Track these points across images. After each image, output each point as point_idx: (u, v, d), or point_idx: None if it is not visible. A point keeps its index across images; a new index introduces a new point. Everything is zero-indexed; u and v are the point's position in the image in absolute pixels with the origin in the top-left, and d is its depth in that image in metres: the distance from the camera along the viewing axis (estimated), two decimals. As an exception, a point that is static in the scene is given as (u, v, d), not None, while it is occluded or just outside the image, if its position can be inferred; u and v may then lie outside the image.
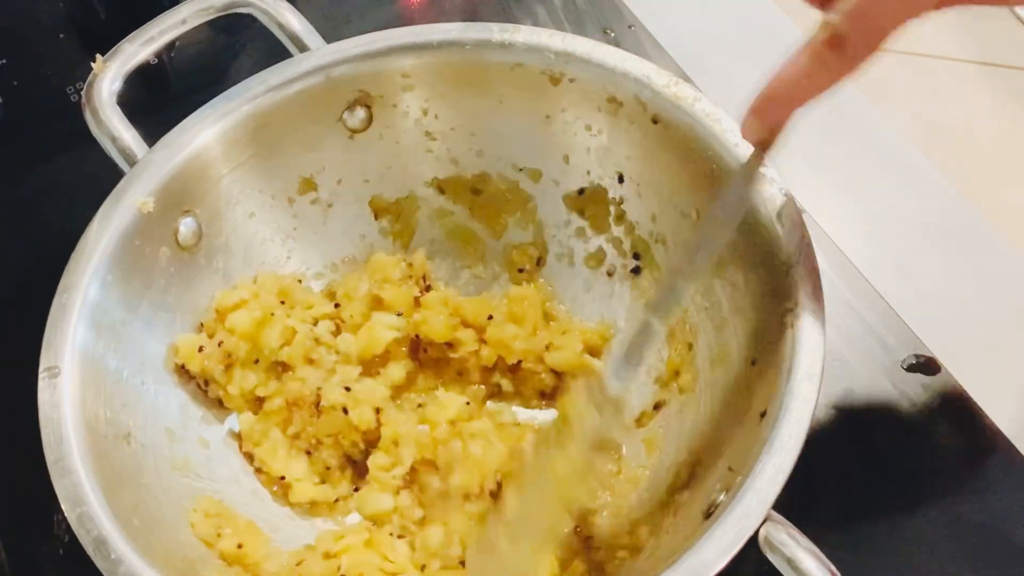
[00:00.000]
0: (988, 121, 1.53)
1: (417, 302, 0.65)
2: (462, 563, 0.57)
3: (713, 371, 0.58)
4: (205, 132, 0.61)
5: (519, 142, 0.65)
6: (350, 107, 0.64)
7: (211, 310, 0.62)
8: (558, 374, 0.63)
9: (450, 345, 0.64)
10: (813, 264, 0.53)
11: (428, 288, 0.67)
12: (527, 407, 0.65)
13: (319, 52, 0.64)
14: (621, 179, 0.64)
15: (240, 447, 0.62)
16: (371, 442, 0.61)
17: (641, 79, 0.60)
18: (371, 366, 0.64)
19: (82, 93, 0.63)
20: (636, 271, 0.65)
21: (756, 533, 0.46)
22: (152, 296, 0.60)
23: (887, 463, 0.60)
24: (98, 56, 0.64)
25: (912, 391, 0.62)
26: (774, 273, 0.53)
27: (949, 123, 1.50)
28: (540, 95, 0.63)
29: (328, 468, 0.61)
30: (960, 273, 0.66)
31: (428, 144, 0.66)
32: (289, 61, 0.64)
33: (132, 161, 0.61)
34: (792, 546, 0.45)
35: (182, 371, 0.60)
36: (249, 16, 0.67)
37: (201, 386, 0.61)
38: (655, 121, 0.60)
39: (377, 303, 0.65)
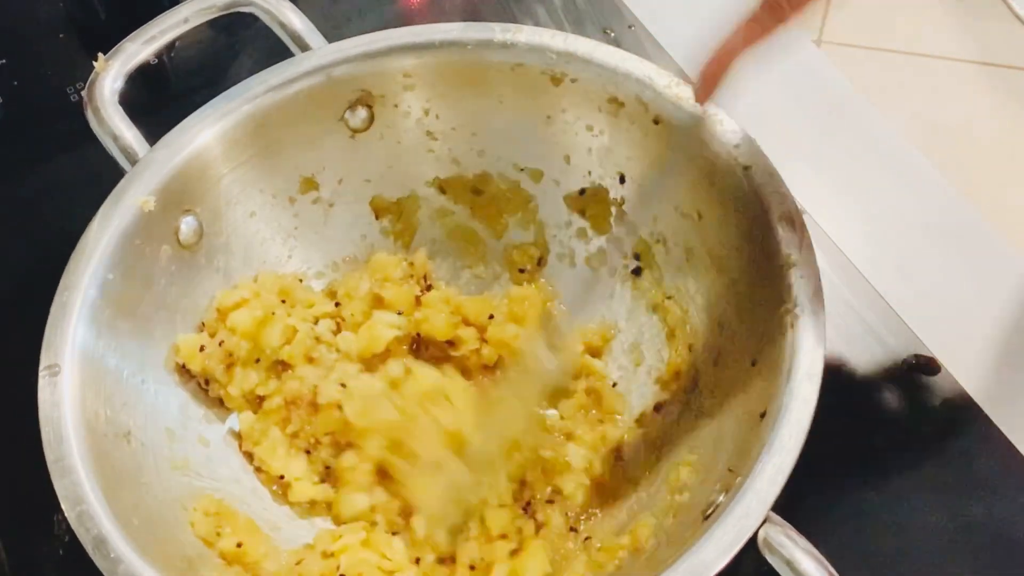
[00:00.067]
0: (988, 121, 1.53)
1: (418, 301, 0.65)
2: (452, 558, 0.57)
3: (713, 371, 0.58)
4: (206, 131, 0.61)
5: (520, 142, 0.65)
6: (351, 107, 0.64)
7: (212, 309, 0.62)
8: (558, 374, 0.64)
9: (451, 344, 0.64)
10: (813, 264, 0.53)
11: (429, 287, 0.67)
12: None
13: (320, 52, 0.64)
14: (622, 179, 0.64)
15: (240, 446, 0.62)
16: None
17: (642, 79, 0.60)
18: (371, 364, 0.64)
19: (83, 92, 0.63)
20: (637, 272, 0.65)
21: (755, 534, 0.46)
22: (153, 295, 0.60)
23: (887, 463, 0.60)
24: (100, 55, 0.64)
25: (912, 391, 0.62)
26: (774, 273, 0.53)
27: (949, 123, 1.50)
28: (541, 95, 0.63)
29: (328, 467, 0.61)
30: (960, 273, 0.66)
31: (429, 144, 0.66)
32: (290, 61, 0.64)
33: (133, 160, 0.61)
34: (791, 547, 0.45)
35: (183, 370, 0.60)
36: (250, 15, 0.67)
37: (202, 385, 0.61)
38: (656, 122, 0.60)
39: (378, 302, 0.65)
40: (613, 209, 0.65)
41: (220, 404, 0.62)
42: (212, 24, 0.66)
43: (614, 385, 0.63)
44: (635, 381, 0.63)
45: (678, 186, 0.61)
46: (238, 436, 0.62)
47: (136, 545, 0.49)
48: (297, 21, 0.65)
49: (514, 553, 0.56)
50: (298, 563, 0.56)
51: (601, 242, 0.66)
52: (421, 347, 0.65)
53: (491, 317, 0.63)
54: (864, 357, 0.63)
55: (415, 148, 0.66)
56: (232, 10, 0.66)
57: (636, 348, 0.64)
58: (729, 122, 0.58)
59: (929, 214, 0.69)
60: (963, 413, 0.61)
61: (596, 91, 0.61)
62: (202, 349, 0.60)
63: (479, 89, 0.64)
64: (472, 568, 0.56)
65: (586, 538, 0.58)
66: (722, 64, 0.52)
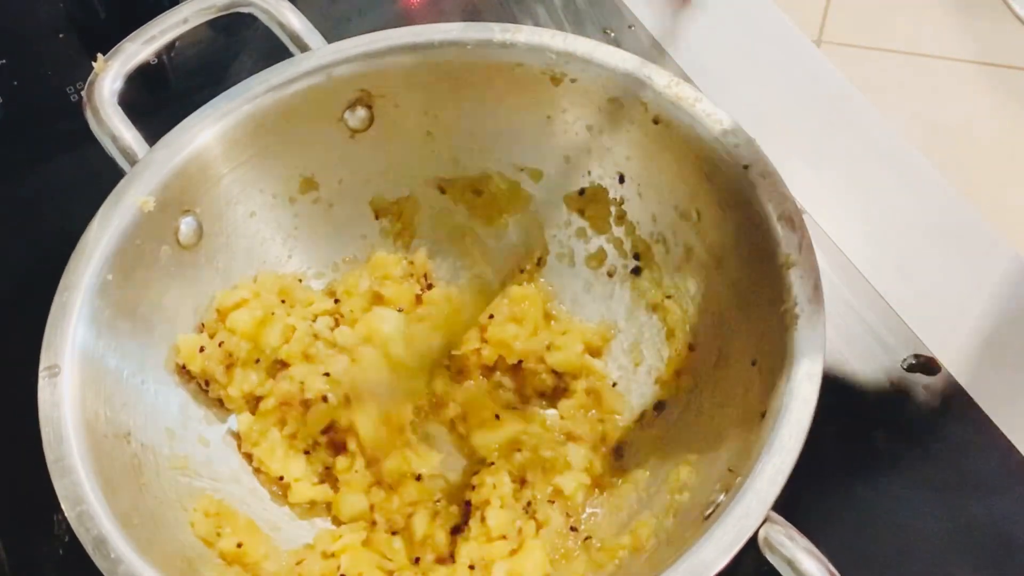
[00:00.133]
0: (988, 121, 1.53)
1: (419, 299, 0.65)
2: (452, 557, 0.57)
3: (713, 371, 0.58)
4: (206, 131, 0.61)
5: (520, 142, 0.65)
6: (351, 107, 0.64)
7: (212, 310, 0.62)
8: (558, 374, 0.63)
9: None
10: (813, 264, 0.53)
11: (430, 286, 0.67)
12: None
13: (320, 52, 0.64)
14: (622, 179, 0.64)
15: (239, 447, 0.62)
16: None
17: (642, 79, 0.60)
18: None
19: (83, 92, 0.63)
20: (636, 271, 0.65)
21: (756, 533, 0.46)
22: (153, 295, 0.60)
23: (887, 463, 0.60)
24: (99, 55, 0.64)
25: (912, 391, 0.62)
26: (774, 273, 0.53)
27: (949, 123, 1.50)
28: (541, 95, 0.63)
29: (327, 468, 0.61)
30: (960, 273, 0.66)
31: (429, 144, 0.66)
32: (290, 61, 0.64)
33: (133, 160, 0.61)
34: (791, 547, 0.45)
35: (182, 371, 0.60)
36: (250, 16, 0.67)
37: (202, 386, 0.61)
38: (656, 121, 0.60)
39: (377, 299, 0.65)
40: (613, 209, 0.65)
41: (220, 404, 0.62)
42: (212, 24, 0.66)
43: (614, 385, 0.63)
44: (635, 381, 0.63)
45: (678, 186, 0.61)
46: (237, 437, 0.62)
47: (136, 545, 0.49)
48: (297, 21, 0.65)
49: (513, 552, 0.56)
50: (298, 563, 0.56)
51: (601, 242, 0.66)
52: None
53: (491, 317, 0.63)
54: (864, 357, 0.63)
55: (415, 148, 0.66)
56: (232, 10, 0.66)
57: (636, 348, 0.64)
58: (729, 122, 0.58)
59: (929, 214, 0.69)
60: (963, 413, 0.61)
61: (596, 91, 0.61)
62: (202, 350, 0.60)
63: (479, 89, 0.64)
64: (472, 568, 0.56)
65: (586, 538, 0.58)
66: None
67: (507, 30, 0.62)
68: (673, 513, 0.54)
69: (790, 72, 0.76)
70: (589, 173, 0.65)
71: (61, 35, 0.84)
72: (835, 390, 0.61)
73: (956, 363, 0.62)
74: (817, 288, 0.52)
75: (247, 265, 0.65)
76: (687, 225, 0.61)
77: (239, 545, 0.55)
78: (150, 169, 0.60)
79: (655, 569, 0.47)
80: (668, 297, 0.63)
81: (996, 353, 0.64)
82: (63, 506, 0.49)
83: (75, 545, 0.48)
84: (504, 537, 0.57)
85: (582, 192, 0.65)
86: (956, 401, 0.61)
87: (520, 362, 0.63)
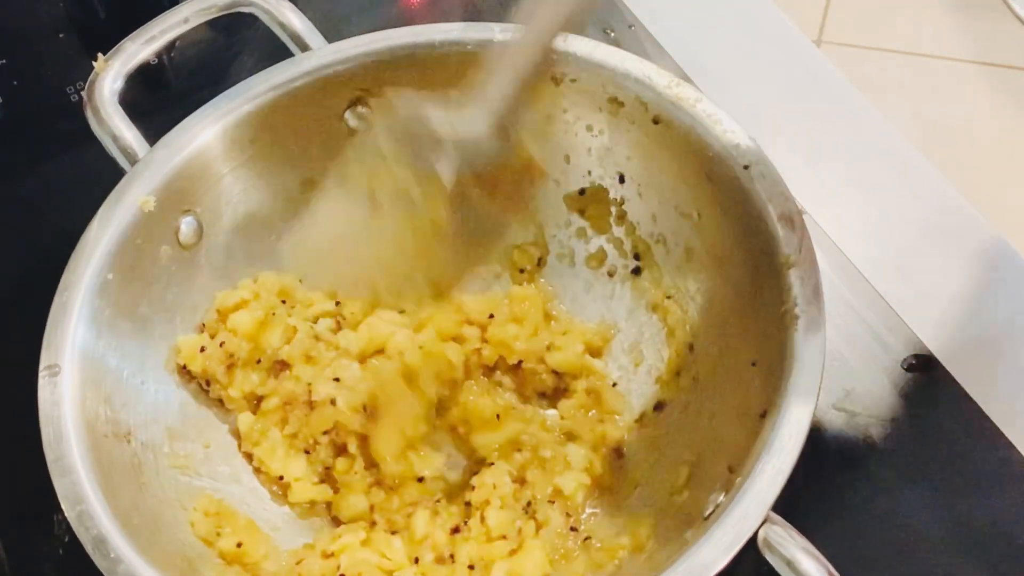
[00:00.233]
0: (988, 121, 1.53)
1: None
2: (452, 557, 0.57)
3: (713, 371, 0.58)
4: (206, 131, 0.61)
5: (519, 142, 0.65)
6: (351, 106, 0.64)
7: (212, 310, 0.62)
8: (559, 375, 0.63)
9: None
10: (813, 264, 0.53)
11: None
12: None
13: (320, 52, 0.64)
14: (622, 179, 0.64)
15: (239, 447, 0.62)
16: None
17: (642, 80, 0.60)
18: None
19: (83, 92, 0.63)
20: (637, 271, 0.65)
21: (755, 534, 0.46)
22: (153, 295, 0.60)
23: (887, 463, 0.60)
24: (100, 55, 0.64)
25: (912, 391, 0.62)
26: (774, 273, 0.53)
27: (949, 123, 1.50)
28: (541, 95, 0.63)
29: (327, 468, 0.61)
30: (960, 273, 0.66)
31: (429, 144, 0.66)
32: (290, 60, 0.64)
33: (133, 160, 0.61)
34: (791, 547, 0.45)
35: (183, 371, 0.61)
36: (250, 15, 0.67)
37: (202, 386, 0.61)
38: (656, 122, 0.60)
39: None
40: (613, 209, 0.65)
41: (220, 404, 0.62)
42: (212, 24, 0.66)
43: (614, 385, 0.63)
44: (635, 381, 0.63)
45: (678, 186, 0.61)
46: (238, 436, 0.62)
47: (136, 545, 0.49)
48: (297, 21, 0.65)
49: (513, 552, 0.56)
50: (298, 563, 0.56)
51: (601, 242, 0.66)
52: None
53: (491, 317, 0.63)
54: (864, 357, 0.63)
55: (415, 148, 0.66)
56: (232, 10, 0.66)
57: (636, 348, 0.64)
58: (729, 122, 0.58)
59: (929, 214, 0.69)
60: (963, 413, 0.61)
61: (596, 91, 0.61)
62: (203, 350, 0.60)
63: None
64: (471, 567, 0.56)
65: (586, 538, 0.58)
66: None
67: (507, 30, 0.62)
68: (673, 513, 0.54)
69: (790, 72, 0.76)
70: (589, 173, 0.65)
71: (61, 35, 0.84)
72: (835, 390, 0.62)
73: (956, 363, 0.62)
74: (817, 288, 0.52)
75: (247, 265, 0.65)
76: (687, 225, 0.61)
77: (239, 545, 0.55)
78: (150, 169, 0.60)
79: (655, 569, 0.47)
80: (668, 297, 0.63)
81: (996, 353, 0.64)
82: (63, 506, 0.49)
83: (75, 545, 0.48)
84: (504, 537, 0.57)
85: (582, 192, 0.65)
86: (956, 401, 0.61)
87: (520, 362, 0.63)
